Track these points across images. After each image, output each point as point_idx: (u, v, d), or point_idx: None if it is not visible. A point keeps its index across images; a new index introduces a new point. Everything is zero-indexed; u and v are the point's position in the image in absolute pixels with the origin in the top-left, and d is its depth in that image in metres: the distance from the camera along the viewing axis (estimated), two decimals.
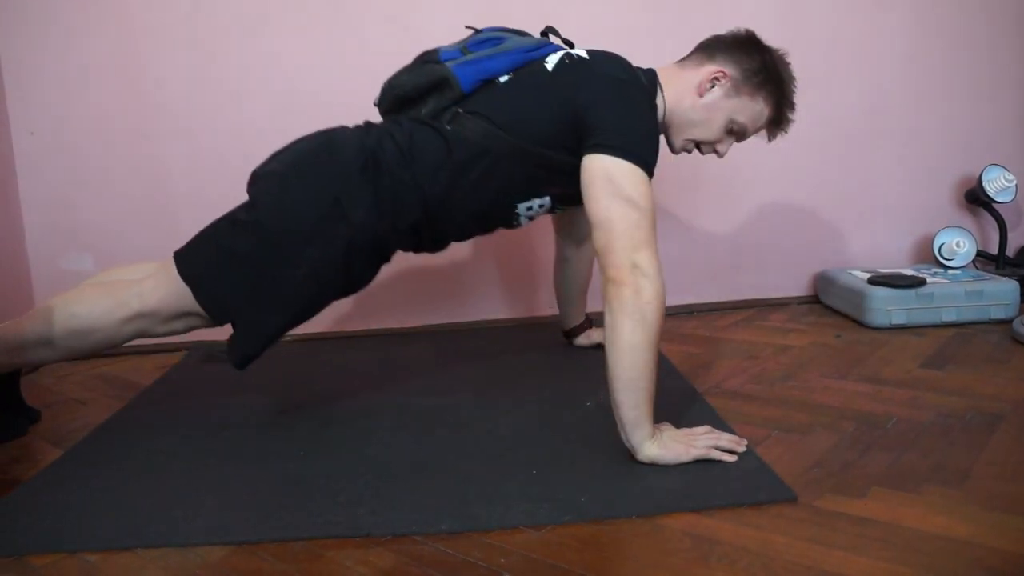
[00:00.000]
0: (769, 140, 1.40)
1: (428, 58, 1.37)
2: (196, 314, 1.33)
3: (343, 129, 1.36)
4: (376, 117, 1.41)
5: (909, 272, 2.04)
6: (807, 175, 2.19)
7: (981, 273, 2.05)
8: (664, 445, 1.12)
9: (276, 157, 1.34)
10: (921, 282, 1.91)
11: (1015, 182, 2.13)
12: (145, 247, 1.78)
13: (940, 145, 2.23)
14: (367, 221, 1.28)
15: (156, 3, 1.91)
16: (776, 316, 2.09)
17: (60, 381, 1.76)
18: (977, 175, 2.16)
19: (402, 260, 2.01)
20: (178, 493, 1.12)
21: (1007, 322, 1.86)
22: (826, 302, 2.15)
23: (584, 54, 1.32)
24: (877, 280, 1.95)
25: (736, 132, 1.36)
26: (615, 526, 0.97)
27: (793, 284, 2.23)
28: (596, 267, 1.19)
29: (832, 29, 2.13)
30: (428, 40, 1.43)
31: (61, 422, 1.48)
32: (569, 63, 1.30)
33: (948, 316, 1.89)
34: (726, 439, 1.16)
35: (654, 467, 1.11)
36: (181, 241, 1.36)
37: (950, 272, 2.06)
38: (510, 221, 1.41)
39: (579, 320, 1.82)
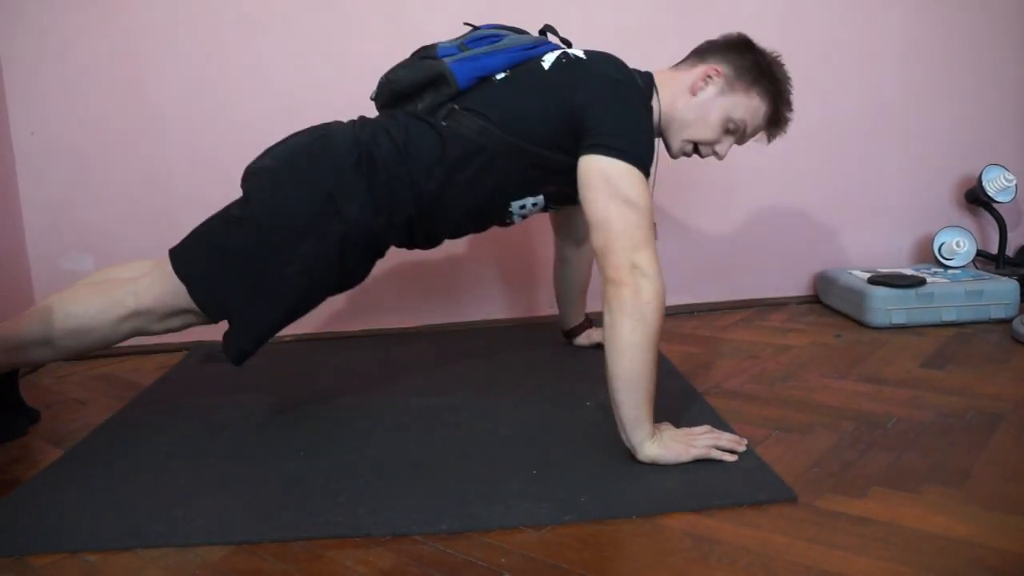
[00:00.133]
0: (768, 141, 1.40)
1: (425, 54, 1.37)
2: (192, 311, 1.33)
3: (337, 124, 1.36)
4: (372, 112, 1.41)
5: (909, 272, 2.04)
6: (807, 175, 2.19)
7: (981, 273, 2.05)
8: (664, 445, 1.12)
9: (270, 152, 1.34)
10: (921, 282, 1.91)
11: (1015, 182, 2.13)
12: (145, 247, 1.78)
13: (940, 145, 2.23)
14: (361, 217, 1.28)
15: (156, 3, 1.91)
16: (776, 316, 2.09)
17: (60, 381, 1.76)
18: (977, 175, 2.16)
19: (402, 260, 2.02)
20: (178, 493, 1.12)
21: (1007, 322, 1.86)
22: (826, 302, 2.15)
23: (581, 54, 1.32)
24: (877, 280, 1.95)
25: (734, 131, 1.35)
26: (615, 526, 0.97)
27: (793, 284, 2.23)
28: (596, 267, 1.19)
29: (832, 29, 2.13)
30: (427, 39, 1.43)
31: (61, 422, 1.48)
32: (566, 62, 1.30)
33: (948, 316, 1.89)
34: (726, 439, 1.16)
35: (654, 467, 1.11)
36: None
37: (950, 272, 2.06)
38: (504, 219, 1.41)
39: (579, 320, 1.82)
